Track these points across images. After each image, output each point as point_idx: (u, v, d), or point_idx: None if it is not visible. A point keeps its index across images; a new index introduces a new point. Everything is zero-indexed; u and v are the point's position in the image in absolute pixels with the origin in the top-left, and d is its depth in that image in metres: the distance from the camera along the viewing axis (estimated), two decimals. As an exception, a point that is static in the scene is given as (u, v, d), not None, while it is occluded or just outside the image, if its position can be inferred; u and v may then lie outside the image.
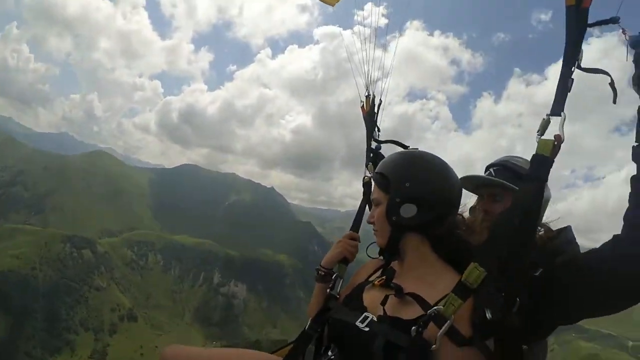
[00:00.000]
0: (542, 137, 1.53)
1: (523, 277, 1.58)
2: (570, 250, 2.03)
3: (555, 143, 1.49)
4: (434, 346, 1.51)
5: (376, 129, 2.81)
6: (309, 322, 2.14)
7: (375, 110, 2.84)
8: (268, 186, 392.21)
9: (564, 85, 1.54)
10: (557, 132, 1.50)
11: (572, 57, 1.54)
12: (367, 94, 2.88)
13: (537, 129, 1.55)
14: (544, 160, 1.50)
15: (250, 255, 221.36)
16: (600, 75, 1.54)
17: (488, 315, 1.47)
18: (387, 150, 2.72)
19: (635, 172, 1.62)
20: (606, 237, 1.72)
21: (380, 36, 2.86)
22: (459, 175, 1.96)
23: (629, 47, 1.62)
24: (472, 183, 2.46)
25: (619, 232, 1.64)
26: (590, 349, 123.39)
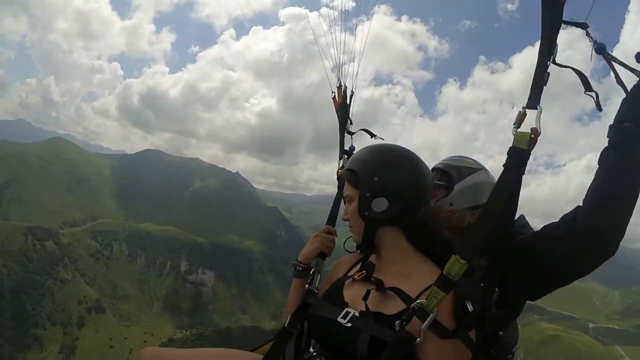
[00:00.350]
0: (519, 130, 1.55)
1: (501, 267, 1.63)
2: (527, 232, 2.13)
3: (532, 136, 1.51)
4: (418, 339, 1.52)
5: (349, 121, 2.75)
6: (288, 318, 2.12)
7: (348, 102, 2.76)
8: (233, 171, 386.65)
9: (540, 79, 1.56)
10: (534, 125, 1.52)
11: (547, 51, 1.56)
12: (338, 84, 2.78)
13: (514, 121, 1.57)
14: (521, 152, 1.52)
15: (218, 242, 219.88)
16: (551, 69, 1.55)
17: (469, 307, 1.51)
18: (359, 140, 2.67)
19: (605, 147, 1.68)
20: None
21: (348, 20, 2.77)
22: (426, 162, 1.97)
23: (593, 52, 1.69)
24: None
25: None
26: (552, 330, 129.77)
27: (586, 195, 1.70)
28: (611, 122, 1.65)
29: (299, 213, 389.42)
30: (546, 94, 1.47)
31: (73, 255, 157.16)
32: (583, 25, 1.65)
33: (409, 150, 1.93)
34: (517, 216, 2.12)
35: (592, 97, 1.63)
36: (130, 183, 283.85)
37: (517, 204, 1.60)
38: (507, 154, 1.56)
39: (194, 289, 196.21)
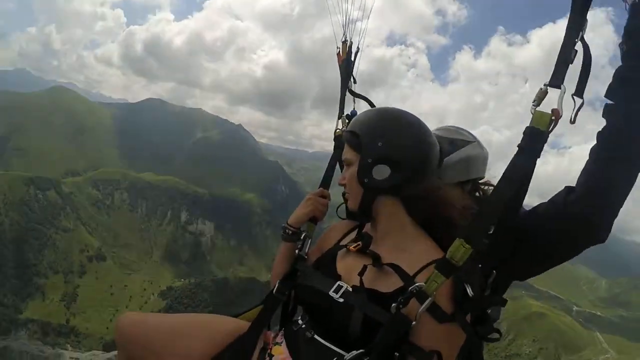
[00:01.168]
0: (538, 109, 1.41)
1: (502, 250, 1.56)
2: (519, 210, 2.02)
3: (553, 117, 1.38)
4: (413, 323, 1.48)
5: (352, 79, 2.59)
6: (276, 284, 2.05)
7: (352, 58, 2.59)
8: (236, 123, 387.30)
9: (567, 55, 1.41)
10: (555, 107, 1.39)
11: (577, 26, 1.42)
12: (344, 39, 2.60)
13: (533, 99, 1.42)
14: (539, 133, 1.39)
15: (218, 194, 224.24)
16: (580, 47, 1.43)
17: (469, 291, 1.46)
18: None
19: (601, 129, 1.64)
20: None
21: None
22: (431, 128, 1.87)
23: (627, 9, 1.58)
24: None
25: None
26: (537, 308, 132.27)
27: (580, 175, 1.67)
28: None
29: (299, 169, 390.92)
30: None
31: (75, 204, 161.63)
32: None
33: (417, 118, 1.79)
34: None
35: (575, 102, 1.49)
36: (132, 132, 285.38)
37: (527, 189, 1.51)
38: (524, 133, 1.44)
39: (194, 239, 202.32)
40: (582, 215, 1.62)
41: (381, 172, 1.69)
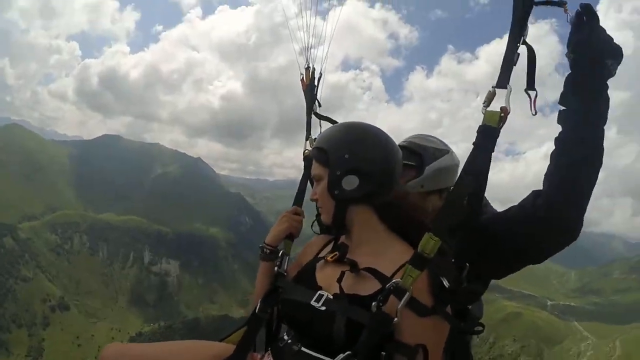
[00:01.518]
0: (488, 109, 1.56)
1: (471, 243, 1.65)
2: (489, 210, 2.20)
3: (502, 114, 1.53)
4: (395, 319, 1.52)
5: (317, 102, 2.72)
6: (258, 303, 2.07)
7: (316, 83, 2.73)
8: (195, 156, 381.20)
9: (510, 58, 1.57)
10: (503, 105, 1.54)
11: (518, 32, 1.57)
12: (306, 65, 2.74)
13: (483, 100, 1.58)
14: (491, 130, 1.53)
15: (181, 230, 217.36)
16: (523, 59, 1.56)
17: (445, 283, 1.52)
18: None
19: (558, 134, 1.76)
20: None
21: (320, 3, 2.72)
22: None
23: (569, 20, 1.71)
24: None
25: None
26: (513, 308, 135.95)
27: (544, 180, 1.77)
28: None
29: (262, 198, 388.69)
30: (511, 84, 1.52)
31: (33, 251, 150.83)
32: (560, 3, 1.65)
33: (378, 129, 1.90)
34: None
35: (530, 96, 1.67)
36: (89, 171, 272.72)
37: (486, 181, 1.63)
38: (477, 132, 1.58)
39: (159, 280, 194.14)
40: (550, 219, 1.70)
41: (350, 182, 1.75)
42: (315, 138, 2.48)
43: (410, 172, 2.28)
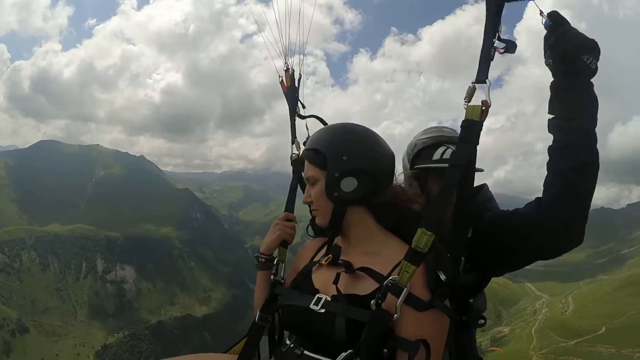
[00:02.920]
0: (470, 104, 1.61)
1: (464, 236, 1.70)
2: (492, 207, 2.22)
3: (483, 108, 1.57)
4: (395, 315, 1.52)
5: (300, 104, 2.66)
6: (258, 312, 2.06)
7: (296, 85, 2.68)
8: (137, 154, 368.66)
9: (487, 54, 1.61)
10: (484, 98, 1.58)
11: (492, 29, 1.61)
12: (285, 68, 2.68)
13: (464, 96, 1.63)
14: (473, 123, 1.58)
15: (132, 233, 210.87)
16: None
17: (442, 276, 1.54)
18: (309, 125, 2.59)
19: (551, 143, 1.77)
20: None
21: None
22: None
23: (545, 24, 1.72)
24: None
25: (480, 176, 1.84)
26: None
27: (543, 189, 1.79)
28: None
29: (211, 192, 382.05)
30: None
31: None
32: None
33: (371, 130, 1.91)
34: (480, 184, 2.37)
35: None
36: (28, 181, 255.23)
37: (474, 173, 1.69)
38: (461, 127, 1.62)
39: (116, 287, 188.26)
40: (554, 226, 1.75)
41: (349, 184, 1.77)
42: (304, 142, 2.45)
43: None
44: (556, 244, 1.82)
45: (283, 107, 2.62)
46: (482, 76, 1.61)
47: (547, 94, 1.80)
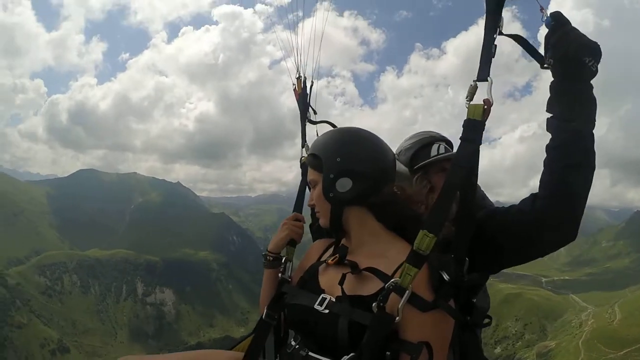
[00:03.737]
0: (472, 103, 1.58)
1: (469, 237, 1.66)
2: (487, 204, 2.21)
3: (485, 107, 1.55)
4: (397, 318, 1.51)
5: (311, 110, 2.78)
6: (264, 310, 2.08)
7: (307, 91, 2.81)
8: (174, 181, 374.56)
9: (488, 51, 1.59)
10: (486, 97, 1.56)
11: (493, 25, 1.59)
12: (297, 75, 2.83)
13: (466, 95, 1.60)
14: (476, 123, 1.56)
15: (170, 257, 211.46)
16: (499, 46, 1.58)
17: (445, 277, 1.53)
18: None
19: (549, 141, 1.76)
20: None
21: (291, 15, 2.86)
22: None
23: (544, 23, 1.70)
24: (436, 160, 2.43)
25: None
26: (511, 290, 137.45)
27: (539, 185, 1.78)
28: (542, 99, 1.73)
29: (246, 215, 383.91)
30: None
31: (24, 296, 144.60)
32: None
33: (368, 131, 1.93)
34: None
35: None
36: (68, 208, 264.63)
37: (477, 174, 1.64)
38: (463, 126, 1.59)
39: (155, 310, 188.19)
40: (548, 222, 1.73)
41: (344, 184, 1.79)
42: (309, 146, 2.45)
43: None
44: (550, 241, 1.83)
45: (313, 129, 2.77)
46: (483, 74, 1.58)
47: None
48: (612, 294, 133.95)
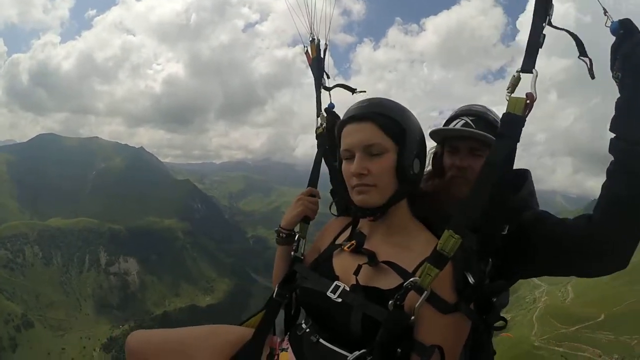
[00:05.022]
0: (513, 95, 1.45)
1: (496, 238, 1.57)
2: (533, 205, 2.03)
3: (528, 101, 1.42)
4: (412, 317, 1.45)
5: (325, 76, 2.51)
6: (275, 288, 2.01)
7: (322, 55, 2.53)
8: (137, 146, 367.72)
9: (536, 40, 1.45)
10: (529, 91, 1.42)
11: (543, 12, 1.46)
12: (311, 38, 2.53)
13: (507, 86, 1.48)
14: (516, 119, 1.43)
15: (134, 226, 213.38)
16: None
17: (470, 279, 1.45)
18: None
19: (611, 165, 1.58)
20: None
21: None
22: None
23: (610, 29, 1.51)
24: (445, 135, 2.24)
25: None
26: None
27: (595, 207, 1.63)
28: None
29: (211, 182, 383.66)
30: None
31: None
32: None
33: None
34: (522, 170, 2.11)
35: (586, 63, 1.51)
36: (28, 176, 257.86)
37: (511, 172, 1.55)
38: (501, 121, 1.47)
39: (120, 280, 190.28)
40: (601, 248, 1.62)
41: (417, 166, 1.67)
42: (326, 109, 2.41)
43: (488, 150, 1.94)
44: (599, 265, 1.71)
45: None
46: (529, 65, 1.44)
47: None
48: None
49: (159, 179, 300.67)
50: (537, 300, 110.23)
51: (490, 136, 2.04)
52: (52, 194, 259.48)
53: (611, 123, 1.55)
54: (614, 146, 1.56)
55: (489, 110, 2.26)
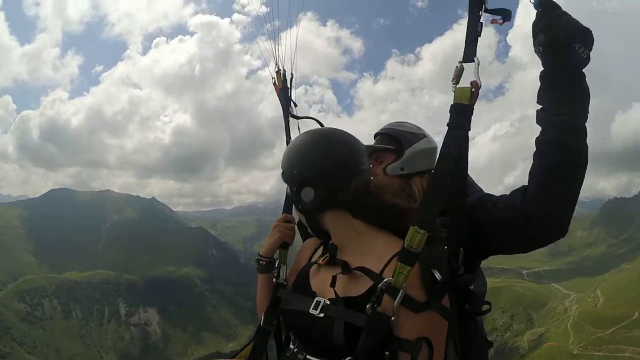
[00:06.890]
0: (458, 86, 1.49)
1: (463, 229, 1.61)
2: (476, 190, 2.19)
3: (473, 90, 1.46)
4: (392, 318, 1.46)
5: (292, 104, 2.70)
6: (262, 316, 2.06)
7: (288, 85, 2.72)
8: (148, 197, 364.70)
9: (474, 29, 1.50)
10: (473, 79, 1.47)
11: (478, 2, 1.50)
12: (277, 69, 2.73)
13: (451, 77, 1.51)
14: (463, 107, 1.47)
15: (151, 275, 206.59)
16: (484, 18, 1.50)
17: (438, 276, 1.47)
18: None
19: (539, 135, 1.65)
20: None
21: (274, 22, 2.75)
22: None
23: (535, 3, 1.59)
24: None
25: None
26: (493, 283, 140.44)
27: (529, 178, 1.69)
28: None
29: (225, 228, 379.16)
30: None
31: (4, 324, 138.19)
32: None
33: (323, 128, 1.92)
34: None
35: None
36: (43, 230, 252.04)
37: (467, 162, 1.58)
38: (450, 112, 1.50)
39: (140, 330, 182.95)
40: (538, 215, 1.64)
41: (307, 194, 1.78)
42: None
43: (390, 156, 2.34)
44: (540, 236, 1.74)
45: (297, 125, 2.68)
46: (470, 55, 1.50)
47: None
48: (593, 279, 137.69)
49: (173, 228, 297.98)
50: (569, 310, 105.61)
51: (379, 146, 2.36)
52: (67, 247, 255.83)
53: (537, 95, 1.65)
54: (539, 117, 1.65)
55: (401, 124, 2.47)
